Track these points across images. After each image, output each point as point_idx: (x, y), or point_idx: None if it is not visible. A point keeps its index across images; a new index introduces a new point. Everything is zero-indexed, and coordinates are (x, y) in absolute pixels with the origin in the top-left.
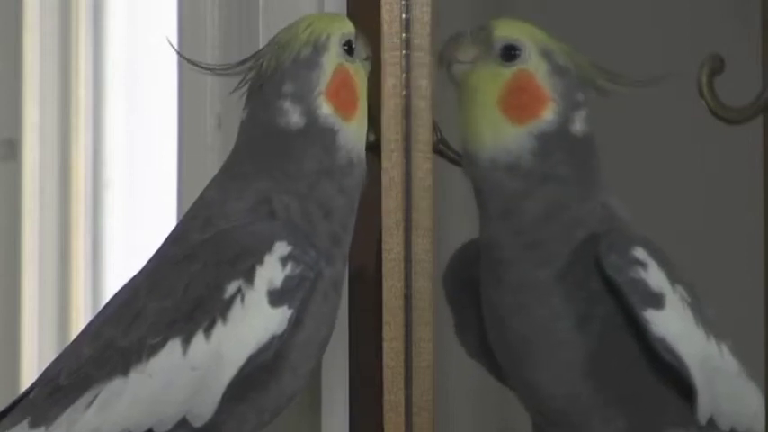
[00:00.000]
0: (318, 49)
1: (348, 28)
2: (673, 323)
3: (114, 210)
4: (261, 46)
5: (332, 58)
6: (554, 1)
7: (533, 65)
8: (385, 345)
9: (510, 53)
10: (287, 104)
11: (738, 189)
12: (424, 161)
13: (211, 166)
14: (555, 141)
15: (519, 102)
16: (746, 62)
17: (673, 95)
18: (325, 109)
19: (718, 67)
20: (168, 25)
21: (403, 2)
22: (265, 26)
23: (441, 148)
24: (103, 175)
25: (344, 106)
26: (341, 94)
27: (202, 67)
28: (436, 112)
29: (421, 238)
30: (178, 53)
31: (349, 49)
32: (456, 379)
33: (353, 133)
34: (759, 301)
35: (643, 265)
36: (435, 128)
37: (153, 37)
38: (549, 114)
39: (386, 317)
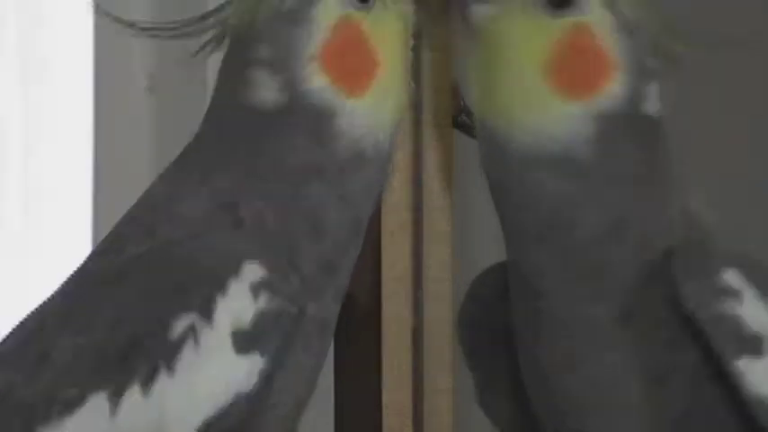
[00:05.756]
0: None
1: None
2: None
3: (8, 206)
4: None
5: (330, 9)
6: None
7: (594, 17)
8: (385, 398)
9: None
10: (261, 74)
11: None
12: (442, 139)
13: (140, 143)
14: (621, 125)
15: (574, 68)
16: None
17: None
18: (319, 80)
19: None
20: None
21: None
22: None
23: (463, 120)
24: None
25: (350, 76)
26: (345, 58)
27: (137, 28)
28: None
29: (436, 246)
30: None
31: None
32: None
33: (366, 114)
34: None
35: (735, 294)
36: (457, 92)
37: None
38: (614, 87)
39: (386, 357)
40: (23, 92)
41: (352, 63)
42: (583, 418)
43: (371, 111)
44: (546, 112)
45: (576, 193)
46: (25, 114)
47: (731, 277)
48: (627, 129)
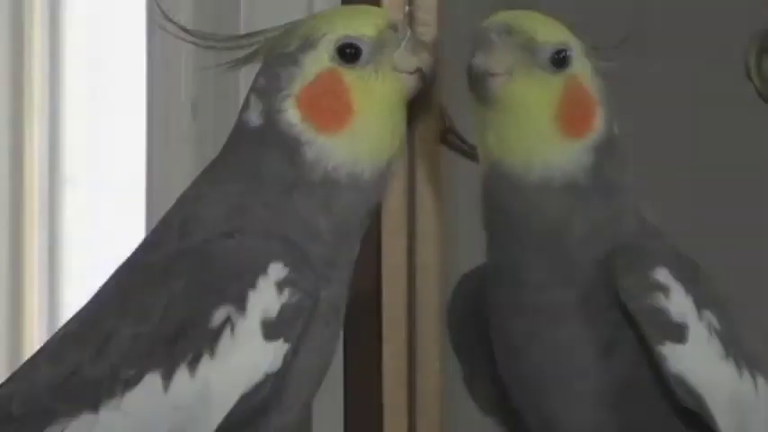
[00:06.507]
0: (305, 46)
1: (357, 29)
2: (694, 359)
3: (74, 210)
4: (242, 20)
5: (318, 60)
6: None
7: (580, 67)
8: (385, 365)
9: (561, 58)
10: (253, 99)
11: None
12: (430, 154)
13: (185, 159)
14: (605, 150)
15: (574, 113)
16: None
17: (717, 77)
18: (292, 115)
19: (767, 45)
20: None
21: None
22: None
23: (449, 138)
24: (61, 169)
25: (323, 116)
26: (321, 102)
27: (198, 36)
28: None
29: (426, 243)
30: (184, 29)
31: (351, 53)
32: (467, 405)
33: (339, 149)
34: None
35: (664, 289)
36: (444, 114)
37: (119, 11)
38: (599, 122)
39: (386, 333)
40: (90, 115)
41: (327, 106)
42: (544, 380)
43: (345, 147)
44: (556, 151)
45: (572, 208)
46: (89, 134)
47: (662, 275)
48: (606, 152)
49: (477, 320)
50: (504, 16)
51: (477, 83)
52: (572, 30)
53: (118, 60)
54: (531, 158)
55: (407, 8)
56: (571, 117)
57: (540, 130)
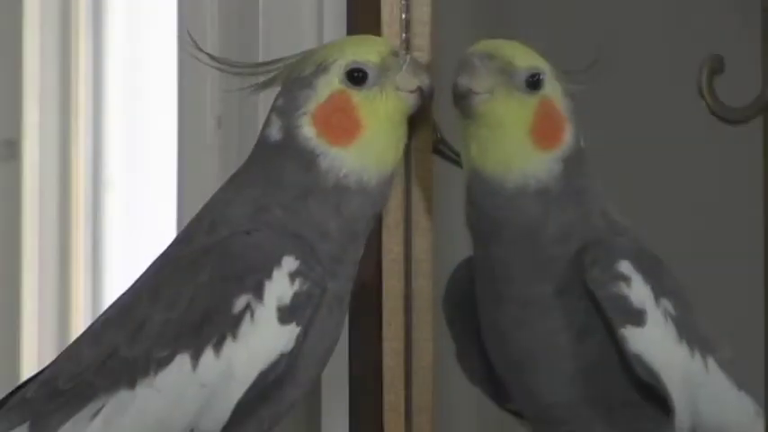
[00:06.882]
0: (318, 71)
1: (363, 56)
2: (651, 340)
3: (114, 210)
4: (261, 48)
5: (329, 83)
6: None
7: (551, 89)
8: (385, 345)
9: (535, 81)
10: (273, 117)
11: (738, 189)
12: (423, 161)
13: (211, 166)
14: (573, 161)
15: (547, 129)
16: (746, 62)
17: (673, 96)
18: (308, 130)
19: (718, 67)
20: (168, 25)
21: (403, 2)
22: (265, 30)
23: (440, 148)
24: (103, 175)
25: (334, 132)
26: (332, 119)
27: (228, 65)
28: (435, 112)
29: (420, 237)
30: (212, 57)
31: (359, 76)
32: (456, 379)
33: (349, 159)
34: (759, 301)
35: (626, 279)
36: (435, 128)
37: (153, 37)
38: (568, 137)
39: (386, 317)
40: (127, 128)
41: (337, 122)
42: (530, 361)
43: (355, 158)
44: (531, 161)
45: (545, 211)
46: (127, 144)
47: (624, 267)
48: (575, 163)
49: (468, 303)
50: (486, 44)
51: (462, 100)
52: (545, 57)
53: (153, 81)
54: (509, 167)
55: (404, 35)
56: (543, 132)
57: (517, 142)
